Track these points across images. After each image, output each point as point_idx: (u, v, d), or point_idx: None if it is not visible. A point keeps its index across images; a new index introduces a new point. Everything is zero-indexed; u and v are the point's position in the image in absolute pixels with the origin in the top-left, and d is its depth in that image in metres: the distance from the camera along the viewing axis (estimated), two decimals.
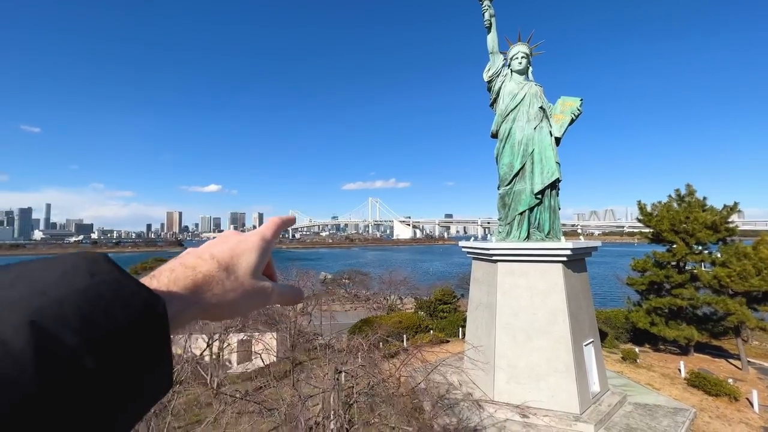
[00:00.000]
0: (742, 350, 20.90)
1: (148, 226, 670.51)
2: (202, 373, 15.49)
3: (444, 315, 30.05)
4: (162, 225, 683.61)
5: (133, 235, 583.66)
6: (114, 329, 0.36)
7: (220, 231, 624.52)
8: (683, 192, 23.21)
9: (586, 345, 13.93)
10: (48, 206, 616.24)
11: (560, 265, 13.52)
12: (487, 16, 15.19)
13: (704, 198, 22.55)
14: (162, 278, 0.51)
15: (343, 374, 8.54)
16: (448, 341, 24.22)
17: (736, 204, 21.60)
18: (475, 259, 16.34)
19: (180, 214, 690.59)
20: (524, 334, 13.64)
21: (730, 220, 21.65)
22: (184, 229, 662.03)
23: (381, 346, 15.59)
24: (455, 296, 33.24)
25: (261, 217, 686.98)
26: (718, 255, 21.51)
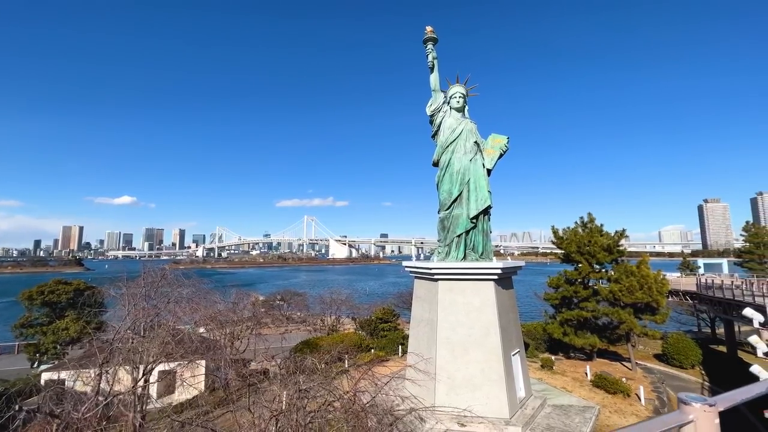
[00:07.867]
0: (632, 354, 24.93)
1: (37, 243, 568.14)
2: (123, 410, 13.84)
3: (384, 334, 30.63)
4: (56, 241, 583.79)
5: (15, 253, 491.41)
6: None
7: (132, 249, 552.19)
8: (585, 219, 27.45)
9: (513, 355, 15.56)
10: None
11: (492, 282, 15.12)
12: (430, 58, 17.01)
13: (601, 225, 26.95)
14: None
15: (298, 394, 8.62)
16: (388, 359, 24.75)
17: (624, 230, 26.18)
18: (417, 277, 17.36)
19: (81, 228, 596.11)
20: (462, 347, 14.82)
21: (620, 243, 26.09)
22: (86, 246, 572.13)
23: (323, 366, 15.55)
24: (395, 314, 34.15)
25: (182, 233, 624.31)
26: (612, 273, 25.71)
